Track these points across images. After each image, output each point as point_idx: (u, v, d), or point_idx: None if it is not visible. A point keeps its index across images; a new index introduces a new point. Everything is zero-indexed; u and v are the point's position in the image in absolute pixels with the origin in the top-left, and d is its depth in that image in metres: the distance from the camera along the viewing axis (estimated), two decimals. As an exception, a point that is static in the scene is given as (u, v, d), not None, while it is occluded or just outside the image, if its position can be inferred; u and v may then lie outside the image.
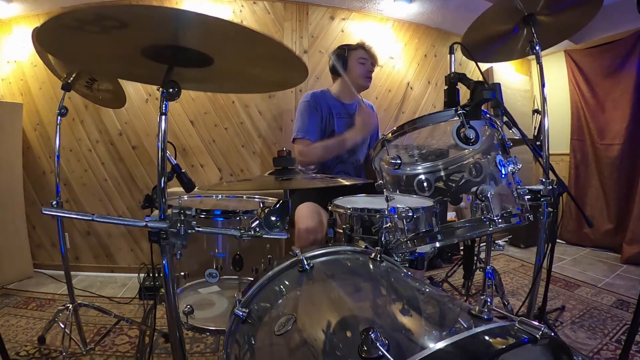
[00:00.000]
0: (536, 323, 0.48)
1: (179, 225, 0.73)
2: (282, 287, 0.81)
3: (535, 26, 1.27)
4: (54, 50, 0.73)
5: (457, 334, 0.49)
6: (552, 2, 1.21)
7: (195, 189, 0.94)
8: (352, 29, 2.91)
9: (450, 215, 1.05)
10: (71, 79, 1.44)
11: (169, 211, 0.74)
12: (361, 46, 1.92)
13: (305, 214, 1.51)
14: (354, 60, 1.88)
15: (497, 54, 1.50)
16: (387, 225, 1.00)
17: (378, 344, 0.47)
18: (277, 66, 0.84)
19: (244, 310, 0.77)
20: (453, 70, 1.05)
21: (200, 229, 0.77)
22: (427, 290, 0.70)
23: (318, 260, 0.84)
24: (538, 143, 1.69)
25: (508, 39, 1.39)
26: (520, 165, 0.96)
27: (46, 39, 0.65)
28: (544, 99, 1.37)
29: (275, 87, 1.07)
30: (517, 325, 0.50)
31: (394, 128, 1.00)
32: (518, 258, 2.99)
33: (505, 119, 1.01)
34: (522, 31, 1.34)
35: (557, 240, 3.27)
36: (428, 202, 0.99)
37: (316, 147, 1.77)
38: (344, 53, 1.89)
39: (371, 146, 2.05)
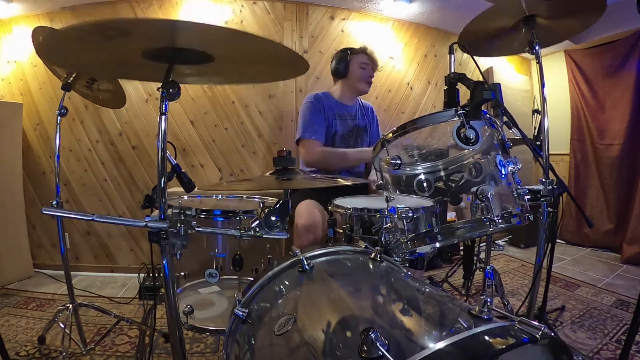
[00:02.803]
0: (536, 323, 0.48)
1: (179, 225, 0.73)
2: (282, 287, 0.81)
3: (535, 28, 1.27)
4: (54, 59, 0.74)
5: (457, 334, 0.49)
6: (554, 7, 1.21)
7: (195, 189, 0.94)
8: (352, 29, 2.91)
9: (450, 215, 1.05)
10: (71, 79, 1.44)
11: (169, 211, 0.74)
12: (363, 50, 1.92)
13: (305, 210, 1.51)
14: (355, 64, 1.88)
15: (494, 49, 1.49)
16: (387, 225, 1.00)
17: (378, 344, 0.47)
18: (278, 63, 0.84)
19: (244, 310, 0.77)
20: (453, 71, 1.05)
21: (200, 229, 0.77)
22: (427, 290, 0.70)
23: (318, 260, 0.84)
24: (538, 143, 1.69)
25: (506, 36, 1.39)
26: (520, 165, 0.96)
27: (46, 50, 0.67)
28: (544, 99, 1.37)
29: (277, 77, 1.09)
30: (517, 325, 0.50)
31: (394, 128, 1.00)
32: (518, 258, 2.99)
33: (505, 119, 1.01)
34: (520, 30, 1.34)
35: (557, 240, 3.27)
36: (428, 202, 0.99)
37: (322, 152, 1.77)
38: (346, 56, 1.89)
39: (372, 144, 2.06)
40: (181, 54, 0.72)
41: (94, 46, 0.65)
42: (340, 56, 1.91)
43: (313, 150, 1.77)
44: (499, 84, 0.95)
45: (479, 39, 1.40)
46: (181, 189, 0.93)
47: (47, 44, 0.62)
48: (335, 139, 1.88)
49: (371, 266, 0.83)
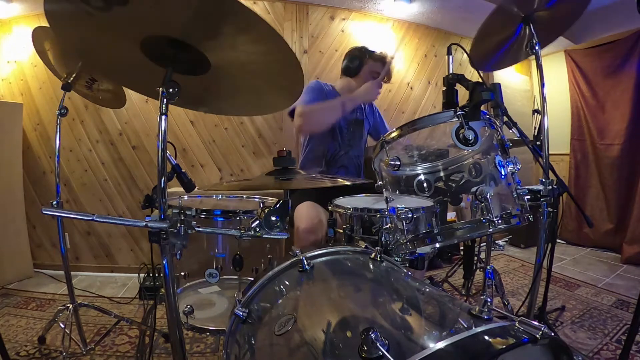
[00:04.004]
0: (536, 323, 0.48)
1: (179, 225, 0.73)
2: (282, 287, 0.81)
3: (535, 24, 1.27)
4: (59, 31, 0.74)
5: (457, 334, 0.49)
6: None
7: (195, 189, 0.94)
8: (352, 29, 2.91)
9: (451, 215, 1.05)
10: (71, 79, 1.44)
11: (169, 211, 0.74)
12: (381, 59, 1.79)
13: (305, 213, 1.50)
14: (367, 70, 1.77)
15: (504, 60, 1.47)
16: (387, 225, 1.00)
17: (378, 344, 0.47)
18: (273, 69, 0.84)
19: (244, 310, 0.77)
20: (451, 71, 1.04)
21: (200, 229, 0.77)
22: (427, 290, 0.70)
23: (318, 260, 0.84)
24: (538, 143, 1.69)
25: (512, 43, 1.39)
26: (520, 166, 0.95)
27: (53, 16, 0.67)
28: (544, 99, 1.37)
29: (269, 108, 1.07)
30: (517, 325, 0.50)
31: (394, 129, 1.00)
32: (518, 258, 2.99)
33: (505, 119, 1.01)
34: (524, 32, 1.34)
35: (557, 240, 3.27)
36: (428, 203, 0.99)
37: (315, 107, 1.64)
38: (362, 57, 1.78)
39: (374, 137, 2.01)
40: (179, 53, 0.73)
41: (96, 23, 0.65)
42: (355, 55, 1.79)
43: (300, 111, 1.63)
44: (498, 84, 0.96)
45: (488, 54, 1.39)
46: (181, 189, 0.93)
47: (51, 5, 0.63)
48: (329, 130, 1.81)
49: (371, 266, 0.83)
